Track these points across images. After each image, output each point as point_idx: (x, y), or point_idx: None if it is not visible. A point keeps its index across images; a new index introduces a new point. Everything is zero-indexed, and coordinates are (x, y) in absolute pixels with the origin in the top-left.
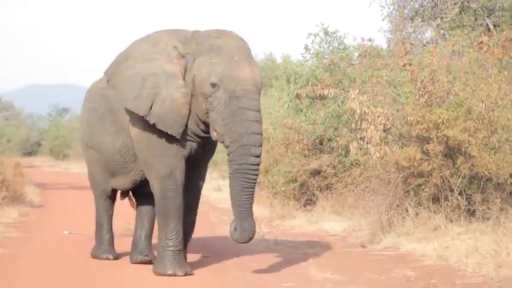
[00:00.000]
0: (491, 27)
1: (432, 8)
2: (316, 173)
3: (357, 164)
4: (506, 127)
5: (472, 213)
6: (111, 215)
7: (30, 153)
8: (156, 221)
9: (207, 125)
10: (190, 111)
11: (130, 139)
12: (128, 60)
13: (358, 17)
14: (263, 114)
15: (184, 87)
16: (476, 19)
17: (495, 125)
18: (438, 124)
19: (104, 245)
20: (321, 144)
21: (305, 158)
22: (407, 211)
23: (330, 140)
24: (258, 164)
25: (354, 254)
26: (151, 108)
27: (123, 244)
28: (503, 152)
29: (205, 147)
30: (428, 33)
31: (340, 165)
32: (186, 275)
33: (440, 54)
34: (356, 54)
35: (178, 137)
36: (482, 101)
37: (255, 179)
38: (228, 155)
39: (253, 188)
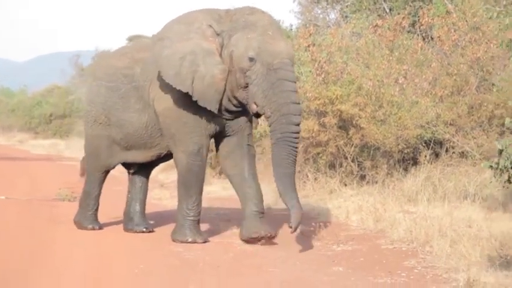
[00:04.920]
0: (388, 10)
1: None
2: None
3: (266, 135)
4: (391, 102)
5: (363, 177)
6: (102, 187)
7: None
8: (177, 192)
9: (238, 100)
10: (225, 87)
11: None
12: (164, 41)
13: None
14: None
15: (222, 64)
16: (375, 3)
17: (381, 100)
18: (333, 100)
19: (90, 214)
20: None
21: None
22: (307, 176)
23: None
24: (299, 132)
25: None
26: (192, 85)
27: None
28: (388, 124)
29: (238, 122)
30: (333, 16)
31: None
32: (205, 242)
33: (341, 36)
34: None
35: (216, 111)
36: (370, 79)
37: (297, 147)
38: (270, 125)
39: (295, 155)
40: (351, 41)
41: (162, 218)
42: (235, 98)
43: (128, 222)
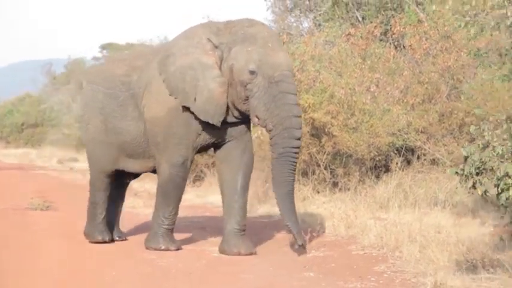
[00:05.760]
0: (360, 19)
1: (309, 1)
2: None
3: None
4: (363, 110)
5: (335, 184)
6: (108, 195)
7: None
8: (156, 199)
9: (241, 112)
10: (226, 100)
11: None
12: (170, 58)
13: (245, 6)
14: None
15: (221, 77)
16: (348, 12)
17: (353, 108)
18: (305, 108)
19: (99, 224)
20: None
21: None
22: None
23: None
24: (299, 147)
25: None
26: (195, 101)
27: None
28: (360, 132)
29: (238, 128)
30: (306, 24)
31: None
32: (178, 249)
33: (314, 45)
34: None
35: (219, 125)
36: (343, 88)
37: (296, 162)
38: (271, 138)
39: (295, 170)
40: (324, 49)
41: (135, 227)
42: (237, 110)
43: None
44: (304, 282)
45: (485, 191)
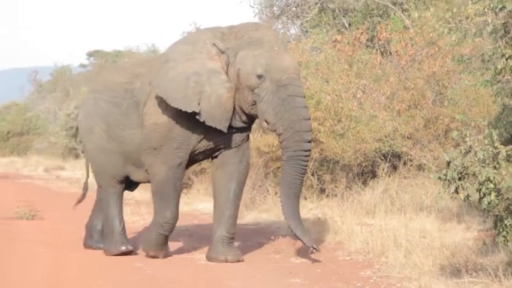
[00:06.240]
0: (347, 26)
1: (296, 7)
2: None
3: None
4: (349, 116)
5: (322, 191)
6: (121, 204)
7: None
8: (154, 205)
9: (249, 116)
10: (234, 105)
11: None
12: (169, 63)
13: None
14: None
15: (228, 82)
16: (334, 18)
17: (340, 114)
18: None
19: (119, 235)
20: None
21: None
22: (268, 191)
23: None
24: (310, 150)
25: None
26: (199, 106)
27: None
28: (347, 138)
29: (236, 137)
30: (293, 31)
31: None
32: (165, 257)
33: (301, 51)
34: None
35: (225, 130)
36: (329, 94)
37: (307, 165)
38: (281, 142)
39: (305, 174)
40: (310, 55)
41: None
42: (244, 114)
43: (88, 239)
44: None
45: (468, 196)
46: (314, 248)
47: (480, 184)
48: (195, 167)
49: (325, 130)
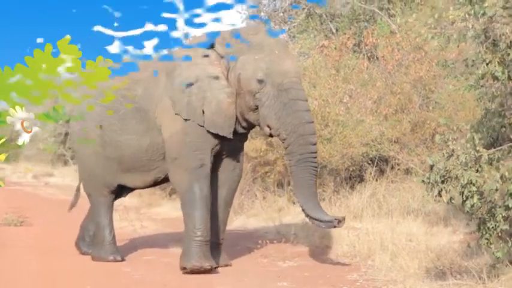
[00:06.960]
0: (334, 31)
1: (283, 13)
2: None
3: None
4: (336, 121)
5: None
6: (111, 213)
7: None
8: (183, 213)
9: (248, 122)
10: (235, 111)
11: (161, 138)
12: (176, 70)
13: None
14: None
15: (229, 87)
16: (321, 23)
17: (327, 119)
18: None
19: (108, 245)
20: None
21: None
22: (256, 195)
23: None
24: (316, 151)
25: None
26: (203, 113)
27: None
28: (334, 143)
29: (236, 144)
30: (281, 36)
31: None
32: (212, 267)
33: None
34: None
35: (231, 136)
36: (316, 99)
37: (317, 166)
38: (286, 147)
39: (316, 174)
40: (298, 61)
41: None
42: (245, 120)
43: (80, 239)
44: None
45: (451, 199)
46: (339, 221)
47: (463, 187)
48: None
49: None
